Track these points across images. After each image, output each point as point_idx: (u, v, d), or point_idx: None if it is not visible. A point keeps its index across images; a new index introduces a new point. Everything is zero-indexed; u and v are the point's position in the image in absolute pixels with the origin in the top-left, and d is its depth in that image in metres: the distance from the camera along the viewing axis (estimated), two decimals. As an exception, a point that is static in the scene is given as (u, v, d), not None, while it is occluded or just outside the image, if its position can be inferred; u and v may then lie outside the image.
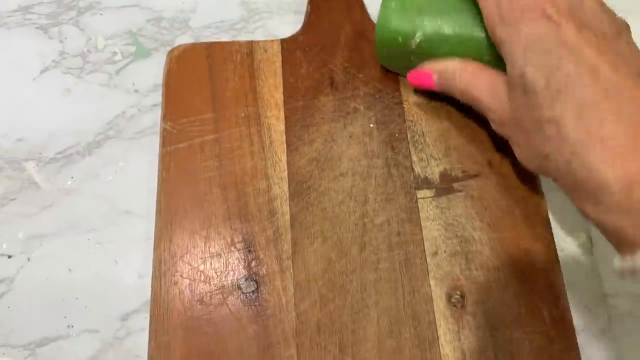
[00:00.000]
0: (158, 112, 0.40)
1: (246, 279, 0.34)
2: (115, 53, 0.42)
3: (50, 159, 0.39)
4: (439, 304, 0.33)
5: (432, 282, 0.33)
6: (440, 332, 0.32)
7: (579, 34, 0.26)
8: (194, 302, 0.33)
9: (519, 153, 0.30)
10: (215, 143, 0.37)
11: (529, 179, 0.36)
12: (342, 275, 0.34)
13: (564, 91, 0.26)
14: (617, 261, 0.25)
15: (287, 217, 0.35)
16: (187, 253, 0.34)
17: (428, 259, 0.34)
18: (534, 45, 0.27)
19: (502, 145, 0.36)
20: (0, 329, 0.34)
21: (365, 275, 0.34)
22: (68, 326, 0.34)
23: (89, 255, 0.36)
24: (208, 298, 0.33)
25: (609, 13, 0.28)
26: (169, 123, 0.37)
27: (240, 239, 0.35)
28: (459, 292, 0.33)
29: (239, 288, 0.33)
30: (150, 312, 0.33)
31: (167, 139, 0.37)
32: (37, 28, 0.44)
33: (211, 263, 0.34)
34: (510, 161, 0.36)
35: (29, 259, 0.36)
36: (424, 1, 0.34)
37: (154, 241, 0.34)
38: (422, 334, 0.32)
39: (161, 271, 0.34)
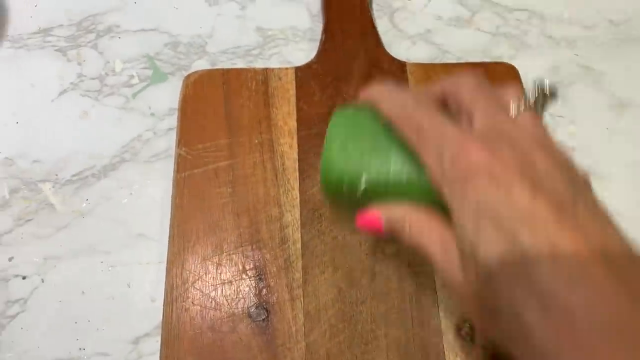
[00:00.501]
0: (173, 136, 0.40)
1: (257, 307, 0.34)
2: (132, 76, 0.43)
3: (66, 180, 0.39)
4: (448, 336, 0.33)
5: (441, 314, 0.33)
6: (449, 365, 0.32)
7: (534, 201, 0.22)
8: (204, 328, 0.33)
9: (479, 328, 0.26)
10: (229, 169, 0.37)
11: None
12: (352, 306, 0.34)
13: (523, 276, 0.21)
14: None
15: (299, 245, 0.35)
16: (198, 279, 0.34)
17: (438, 291, 0.34)
18: (484, 216, 0.22)
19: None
20: (13, 350, 0.35)
21: (376, 305, 0.34)
22: (80, 349, 0.35)
23: (102, 278, 0.36)
24: (218, 325, 0.33)
25: (566, 169, 0.24)
26: (183, 148, 0.38)
27: (252, 266, 0.35)
28: (468, 324, 0.33)
29: (250, 316, 0.34)
30: (161, 337, 0.33)
31: (181, 164, 0.38)
32: (56, 50, 0.44)
33: (222, 290, 0.34)
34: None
35: (43, 280, 0.36)
36: (368, 144, 0.30)
37: (166, 266, 0.35)
38: (430, 366, 0.32)
39: (173, 297, 0.34)
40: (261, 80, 0.40)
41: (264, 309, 0.34)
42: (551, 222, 0.21)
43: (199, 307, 0.34)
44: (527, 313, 0.21)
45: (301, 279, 0.34)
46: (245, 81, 0.40)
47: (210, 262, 0.35)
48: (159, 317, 0.35)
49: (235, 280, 0.34)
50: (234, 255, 0.35)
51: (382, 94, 0.29)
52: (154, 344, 0.35)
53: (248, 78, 0.40)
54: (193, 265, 0.35)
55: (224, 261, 0.35)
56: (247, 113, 0.39)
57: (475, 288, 0.23)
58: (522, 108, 0.26)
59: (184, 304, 0.34)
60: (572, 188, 0.23)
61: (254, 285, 0.34)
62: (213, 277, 0.35)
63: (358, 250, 0.35)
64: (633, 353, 0.19)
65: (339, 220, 0.36)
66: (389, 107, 0.28)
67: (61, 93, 0.43)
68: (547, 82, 0.28)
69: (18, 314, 0.36)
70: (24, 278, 0.37)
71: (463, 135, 0.24)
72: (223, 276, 0.35)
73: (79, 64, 0.44)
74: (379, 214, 0.29)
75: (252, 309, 0.34)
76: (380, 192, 0.29)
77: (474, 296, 0.23)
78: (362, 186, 0.29)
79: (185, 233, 0.36)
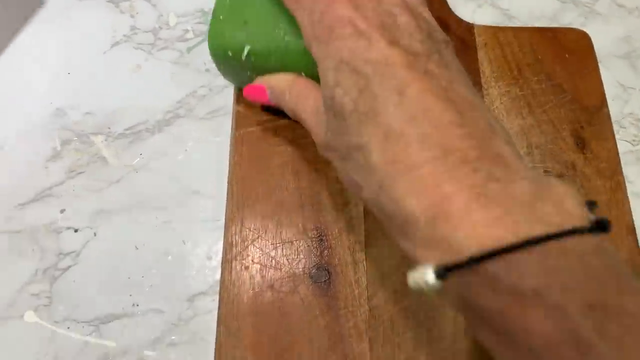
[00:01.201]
0: (230, 94, 0.39)
1: (318, 268, 0.33)
2: (187, 31, 0.42)
3: (118, 134, 0.38)
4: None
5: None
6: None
7: (389, 50, 0.23)
8: (264, 288, 0.32)
9: (341, 180, 0.27)
10: (289, 128, 0.36)
11: (613, 185, 0.34)
12: (417, 271, 0.32)
13: (371, 115, 0.23)
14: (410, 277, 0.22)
15: (361, 207, 0.34)
16: (258, 238, 0.33)
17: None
18: (344, 64, 0.24)
19: (585, 147, 0.35)
20: (65, 303, 0.34)
21: (441, 272, 0.32)
22: (133, 304, 0.34)
23: (156, 233, 0.35)
24: (279, 285, 0.32)
25: (426, 27, 0.25)
26: (241, 105, 0.37)
27: (313, 226, 0.34)
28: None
29: (311, 277, 0.32)
30: (219, 295, 0.32)
31: (239, 121, 0.36)
32: (108, 1, 0.43)
33: (282, 249, 0.33)
34: (595, 165, 0.35)
35: (95, 234, 0.36)
36: (252, 12, 0.31)
37: (225, 223, 0.34)
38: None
39: (232, 255, 0.33)
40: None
41: (326, 270, 0.33)
42: (402, 67, 0.23)
43: (259, 266, 0.33)
44: (372, 146, 0.23)
45: (364, 242, 0.33)
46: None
47: (270, 221, 0.34)
48: (215, 276, 0.34)
49: (296, 240, 0.33)
50: (294, 215, 0.34)
51: None
52: (210, 303, 0.34)
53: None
54: (252, 224, 0.34)
55: (284, 220, 0.34)
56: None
57: (332, 137, 0.26)
58: None
59: (244, 262, 0.33)
60: (429, 43, 0.24)
61: (315, 246, 0.33)
62: (273, 236, 0.33)
63: (424, 215, 0.34)
64: (451, 172, 0.21)
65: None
66: None
67: (113, 45, 0.41)
68: None
69: (70, 267, 0.35)
70: (75, 231, 0.36)
71: None
72: (283, 235, 0.33)
73: (132, 16, 0.42)
74: (264, 83, 0.32)
75: (314, 270, 0.33)
76: (263, 59, 0.32)
77: (331, 145, 0.26)
78: (245, 54, 0.31)
79: (244, 191, 0.34)
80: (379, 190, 0.22)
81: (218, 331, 0.31)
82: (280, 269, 0.33)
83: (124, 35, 0.42)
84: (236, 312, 0.32)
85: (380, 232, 0.33)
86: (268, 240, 0.33)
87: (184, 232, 0.35)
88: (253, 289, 0.32)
